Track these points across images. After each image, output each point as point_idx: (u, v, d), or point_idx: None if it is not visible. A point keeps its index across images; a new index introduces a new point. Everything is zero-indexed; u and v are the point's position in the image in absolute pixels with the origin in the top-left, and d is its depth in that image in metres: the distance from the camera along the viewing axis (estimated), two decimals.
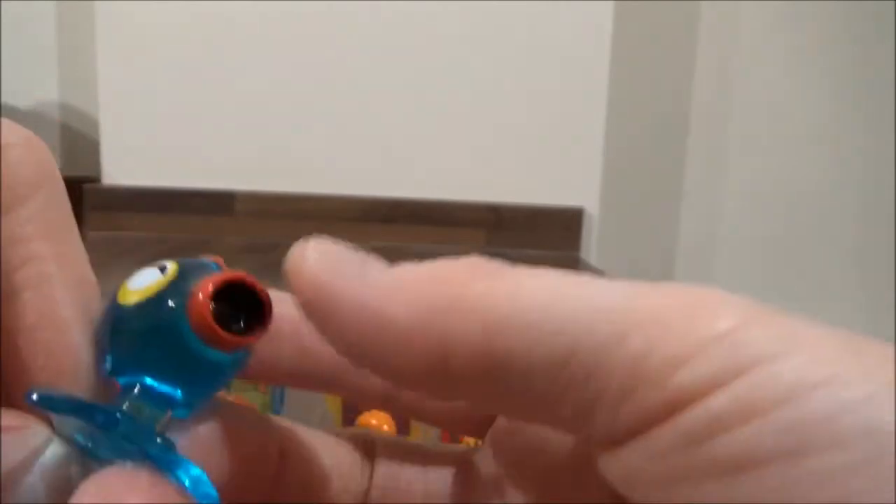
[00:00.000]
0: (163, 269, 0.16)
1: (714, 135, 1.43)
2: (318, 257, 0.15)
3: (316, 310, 0.15)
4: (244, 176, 1.24)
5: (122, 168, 1.24)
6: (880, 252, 1.47)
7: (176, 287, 0.15)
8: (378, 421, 0.45)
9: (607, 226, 1.33)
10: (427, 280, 0.15)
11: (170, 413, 0.15)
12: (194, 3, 1.20)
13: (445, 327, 0.13)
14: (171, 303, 0.15)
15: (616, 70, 1.27)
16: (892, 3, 1.38)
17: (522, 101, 1.25)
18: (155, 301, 0.15)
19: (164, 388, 0.15)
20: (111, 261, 1.02)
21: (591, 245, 1.29)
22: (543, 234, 1.26)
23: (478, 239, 1.26)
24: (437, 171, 1.26)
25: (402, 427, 0.46)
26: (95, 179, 1.25)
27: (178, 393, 0.15)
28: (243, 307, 0.15)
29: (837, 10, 1.39)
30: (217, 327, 0.15)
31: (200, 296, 0.15)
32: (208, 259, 0.17)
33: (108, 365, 0.15)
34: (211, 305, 0.15)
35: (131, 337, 0.15)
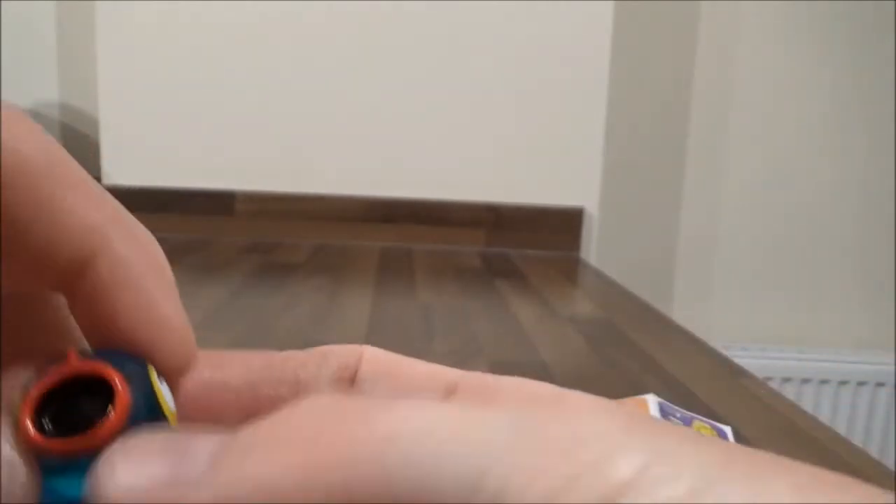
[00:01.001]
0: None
1: (714, 135, 1.43)
2: (127, 480, 0.13)
3: None
4: (244, 176, 1.24)
5: (122, 168, 1.24)
6: (880, 251, 1.47)
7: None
8: None
9: (607, 226, 1.33)
10: (255, 481, 0.12)
11: None
12: (194, 3, 1.20)
13: None
14: None
15: (616, 70, 1.27)
16: (893, 2, 1.38)
17: (523, 102, 1.25)
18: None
19: None
20: None
21: (591, 245, 1.29)
22: (543, 234, 1.26)
23: (478, 239, 1.26)
24: (438, 172, 1.26)
25: None
26: (95, 179, 1.25)
27: None
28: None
29: (837, 10, 1.39)
30: (34, 437, 0.14)
31: (18, 421, 0.14)
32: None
33: None
34: (33, 428, 0.14)
35: None
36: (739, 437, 0.52)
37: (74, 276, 0.16)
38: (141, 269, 0.16)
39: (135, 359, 0.16)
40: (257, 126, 1.24)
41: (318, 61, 1.23)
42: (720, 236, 1.46)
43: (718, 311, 1.47)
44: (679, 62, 1.40)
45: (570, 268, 1.17)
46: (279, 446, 0.12)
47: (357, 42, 1.23)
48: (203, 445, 0.13)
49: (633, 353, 0.73)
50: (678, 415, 0.53)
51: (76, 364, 0.15)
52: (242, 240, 1.23)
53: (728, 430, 0.53)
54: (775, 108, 1.43)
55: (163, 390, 0.16)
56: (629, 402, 0.54)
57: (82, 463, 0.14)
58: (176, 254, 1.09)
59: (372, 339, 0.72)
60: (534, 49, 1.23)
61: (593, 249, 1.29)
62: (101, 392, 0.14)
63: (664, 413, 0.52)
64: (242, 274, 0.99)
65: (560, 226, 1.26)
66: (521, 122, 1.25)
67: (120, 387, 0.14)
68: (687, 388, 0.63)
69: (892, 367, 1.40)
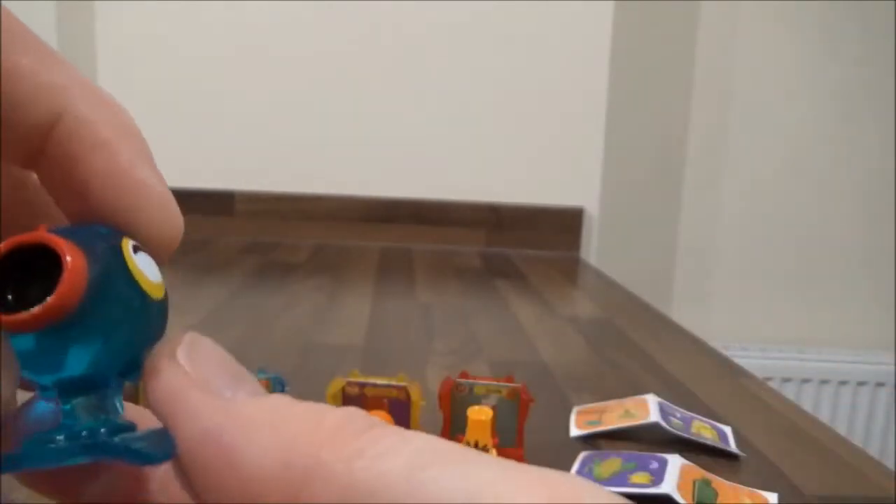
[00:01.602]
0: None
1: (714, 135, 1.43)
2: (189, 359, 0.14)
3: (163, 415, 0.14)
4: (244, 176, 1.24)
5: None
6: (880, 252, 1.47)
7: None
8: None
9: (607, 226, 1.33)
10: (293, 431, 0.13)
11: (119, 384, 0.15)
12: (194, 4, 1.20)
13: (298, 486, 0.12)
14: None
15: (616, 71, 1.27)
16: (893, 2, 1.38)
17: (523, 102, 1.25)
18: None
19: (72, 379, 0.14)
20: None
21: (591, 245, 1.29)
22: (543, 234, 1.26)
23: (478, 239, 1.26)
24: (438, 172, 1.26)
25: (402, 426, 0.46)
26: None
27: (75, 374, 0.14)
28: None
29: (837, 13, 1.39)
30: None
31: None
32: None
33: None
34: None
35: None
36: (739, 437, 0.52)
37: (42, 140, 0.15)
38: (111, 131, 0.16)
39: (109, 231, 0.15)
40: (257, 126, 1.24)
41: (318, 63, 1.23)
42: (720, 236, 1.46)
43: (718, 311, 1.47)
44: (679, 62, 1.40)
45: (570, 268, 1.17)
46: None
47: (357, 44, 1.23)
48: (250, 385, 0.14)
49: (633, 353, 0.73)
50: (678, 415, 0.53)
51: (28, 236, 0.14)
52: (242, 240, 1.23)
53: (728, 430, 0.53)
54: (775, 110, 1.43)
55: (137, 261, 0.15)
56: (629, 402, 0.54)
57: (30, 338, 0.14)
58: (176, 254, 1.09)
59: (372, 338, 0.72)
60: (534, 49, 1.23)
61: (593, 249, 1.29)
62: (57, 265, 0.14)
63: (664, 413, 0.52)
64: (242, 274, 0.99)
65: (560, 226, 1.26)
66: (521, 122, 1.25)
67: (68, 258, 0.13)
68: (687, 388, 0.63)
69: (892, 367, 1.40)
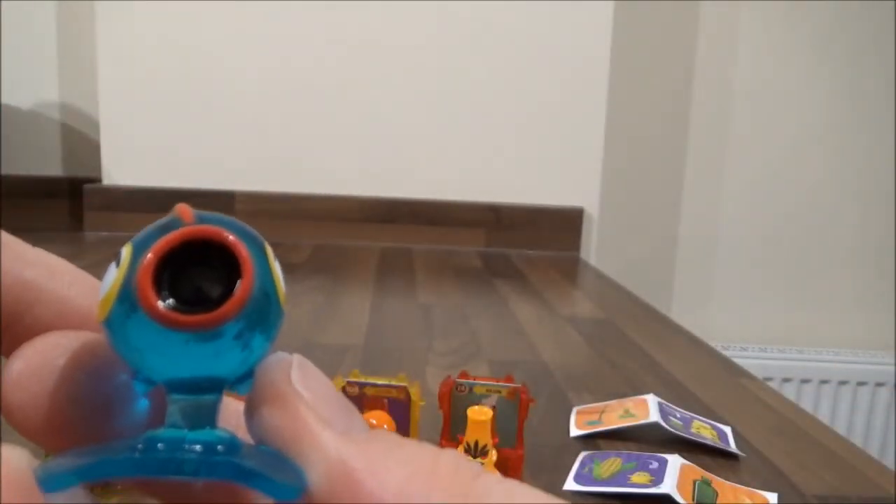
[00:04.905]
0: (118, 260, 0.14)
1: (713, 136, 1.43)
2: (306, 388, 0.14)
3: (285, 441, 0.14)
4: (244, 176, 1.24)
5: (122, 168, 1.24)
6: (880, 252, 1.47)
7: (128, 281, 0.13)
8: (378, 420, 0.45)
9: (607, 226, 1.33)
10: (409, 471, 0.13)
11: (220, 395, 0.14)
12: (194, 4, 1.20)
13: None
14: (126, 305, 0.13)
15: (616, 72, 1.27)
16: (892, 2, 1.38)
17: (523, 103, 1.25)
18: (116, 309, 0.13)
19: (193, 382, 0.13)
20: (111, 260, 1.02)
21: (591, 245, 1.29)
22: (543, 234, 1.26)
23: (477, 239, 1.26)
24: (438, 172, 1.26)
25: (402, 426, 0.46)
26: (95, 179, 1.26)
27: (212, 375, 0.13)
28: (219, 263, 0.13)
29: (836, 11, 1.39)
30: (168, 314, 0.13)
31: (139, 288, 0.13)
32: (173, 213, 0.14)
33: (139, 380, 0.14)
34: (156, 297, 0.13)
35: (126, 353, 0.13)
36: (739, 437, 0.52)
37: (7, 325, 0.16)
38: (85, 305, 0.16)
39: (249, 232, 0.14)
40: (257, 126, 1.24)
41: (319, 63, 1.23)
42: (720, 237, 1.46)
43: (718, 311, 1.47)
44: (679, 63, 1.40)
45: (570, 268, 1.17)
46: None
47: (358, 44, 1.23)
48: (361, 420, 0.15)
49: (633, 353, 0.73)
50: (678, 415, 0.53)
51: (199, 228, 0.13)
52: None
53: (728, 430, 0.53)
54: (774, 110, 1.43)
55: (277, 268, 0.14)
56: (629, 402, 0.54)
57: (185, 336, 0.13)
58: None
59: (372, 338, 0.72)
60: (534, 50, 1.23)
61: (593, 249, 1.29)
62: (212, 258, 0.13)
63: (664, 413, 0.52)
64: None
65: (560, 226, 1.26)
66: (521, 122, 1.25)
67: (245, 260, 0.13)
68: (687, 388, 0.63)
69: (892, 367, 1.40)
